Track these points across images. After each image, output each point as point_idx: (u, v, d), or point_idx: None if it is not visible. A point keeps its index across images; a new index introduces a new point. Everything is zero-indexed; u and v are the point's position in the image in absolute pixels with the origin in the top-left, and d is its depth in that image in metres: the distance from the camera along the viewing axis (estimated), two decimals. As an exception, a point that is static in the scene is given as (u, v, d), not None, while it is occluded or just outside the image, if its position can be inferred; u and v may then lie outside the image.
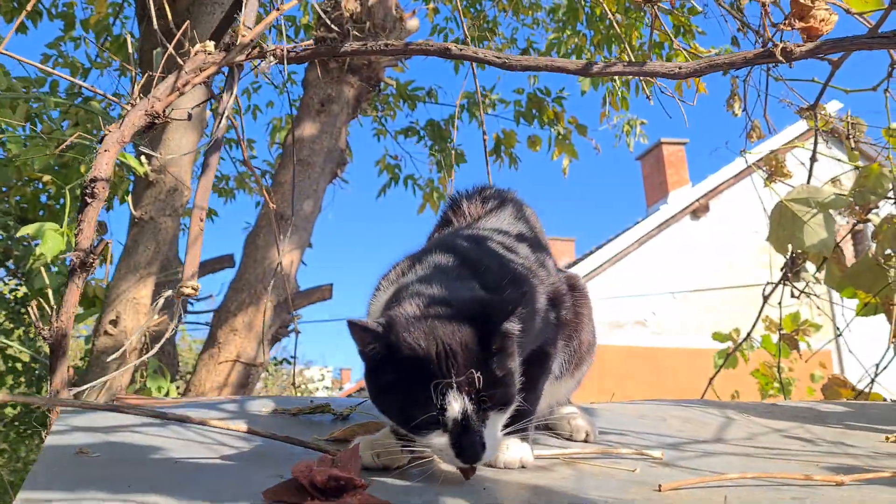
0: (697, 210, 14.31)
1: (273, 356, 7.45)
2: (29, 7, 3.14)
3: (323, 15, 2.84)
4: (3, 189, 7.14)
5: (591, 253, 14.02)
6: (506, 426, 1.36)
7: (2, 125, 3.94)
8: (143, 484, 1.09)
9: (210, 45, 2.49)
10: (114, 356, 3.56)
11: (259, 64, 2.60)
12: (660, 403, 2.28)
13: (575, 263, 14.30)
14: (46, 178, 5.41)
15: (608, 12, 5.64)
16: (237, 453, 1.35)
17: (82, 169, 4.22)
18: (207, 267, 6.16)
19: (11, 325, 7.00)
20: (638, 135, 7.69)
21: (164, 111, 2.31)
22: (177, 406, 1.80)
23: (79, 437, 1.36)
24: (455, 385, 1.16)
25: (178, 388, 5.14)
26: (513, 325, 1.23)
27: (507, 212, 1.75)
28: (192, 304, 6.94)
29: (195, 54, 2.44)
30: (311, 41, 2.49)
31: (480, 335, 1.20)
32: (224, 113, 2.45)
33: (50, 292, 4.11)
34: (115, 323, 4.13)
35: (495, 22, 8.79)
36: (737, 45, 5.12)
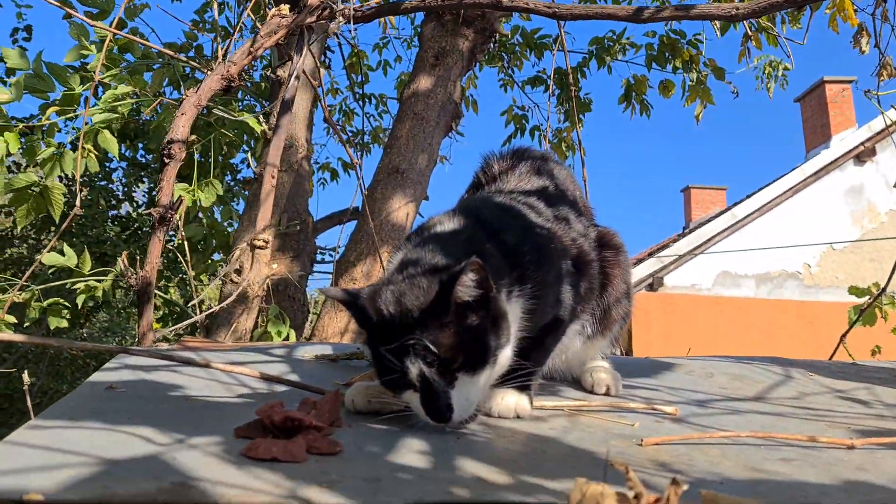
0: (862, 154, 13.15)
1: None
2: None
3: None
4: (160, 148, 7.80)
5: (742, 201, 13.28)
6: (508, 377, 1.41)
7: (137, 90, 4.30)
8: (143, 416, 1.23)
9: (285, 8, 2.60)
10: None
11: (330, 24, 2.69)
12: (716, 360, 2.21)
13: (724, 212, 13.63)
14: (192, 136, 5.88)
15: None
16: (251, 394, 1.47)
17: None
18: (335, 219, 6.46)
19: (168, 273, 7.66)
20: (778, 78, 7.18)
21: (238, 74, 2.44)
22: (234, 349, 1.96)
23: (121, 375, 1.53)
24: (411, 350, 1.22)
25: (303, 333, 5.47)
26: (467, 290, 1.24)
27: (528, 167, 1.75)
28: (325, 256, 7.30)
29: (270, 18, 2.56)
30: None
31: (439, 301, 1.24)
32: (293, 74, 2.57)
33: (186, 242, 4.51)
34: (238, 272, 4.46)
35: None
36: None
